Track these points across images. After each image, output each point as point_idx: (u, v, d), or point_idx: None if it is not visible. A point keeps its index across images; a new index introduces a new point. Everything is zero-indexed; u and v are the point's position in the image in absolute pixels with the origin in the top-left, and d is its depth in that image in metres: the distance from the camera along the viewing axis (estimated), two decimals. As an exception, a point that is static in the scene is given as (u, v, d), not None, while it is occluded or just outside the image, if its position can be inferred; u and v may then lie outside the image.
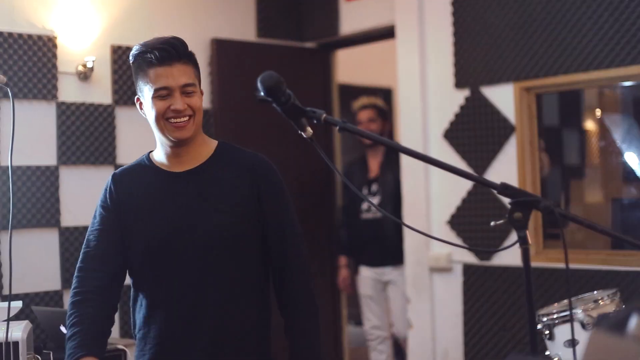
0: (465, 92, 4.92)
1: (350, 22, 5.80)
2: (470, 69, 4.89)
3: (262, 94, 1.97)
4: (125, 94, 5.15)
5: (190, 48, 2.52)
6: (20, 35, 4.75)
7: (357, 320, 8.12)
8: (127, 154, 5.15)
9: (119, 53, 5.14)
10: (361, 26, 5.74)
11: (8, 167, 4.64)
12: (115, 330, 5.00)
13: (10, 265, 2.57)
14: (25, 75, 4.76)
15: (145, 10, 5.30)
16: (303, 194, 5.98)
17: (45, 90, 4.83)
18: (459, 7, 4.94)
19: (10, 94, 2.56)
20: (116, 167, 5.09)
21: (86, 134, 4.99)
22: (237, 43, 5.67)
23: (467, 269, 4.93)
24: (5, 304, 3.84)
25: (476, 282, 4.89)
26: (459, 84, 4.95)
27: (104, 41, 5.08)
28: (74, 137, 4.95)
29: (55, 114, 4.89)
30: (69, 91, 4.93)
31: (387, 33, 5.59)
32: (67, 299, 4.85)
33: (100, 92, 5.06)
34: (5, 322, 2.92)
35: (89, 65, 4.93)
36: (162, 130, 2.54)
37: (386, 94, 8.17)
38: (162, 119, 2.49)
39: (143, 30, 5.27)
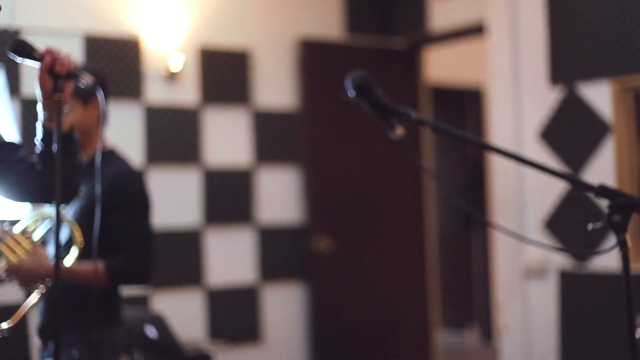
0: (560, 89, 4.80)
1: (439, 17, 5.74)
2: (566, 65, 4.78)
3: (351, 93, 1.95)
4: (213, 94, 5.21)
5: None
6: (106, 37, 4.84)
7: (453, 322, 8.06)
8: (216, 155, 5.21)
9: (206, 53, 5.19)
10: (450, 21, 5.67)
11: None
12: (199, 330, 5.07)
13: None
14: (117, 77, 4.85)
15: (232, 10, 5.34)
16: (391, 194, 5.95)
17: (129, 91, 4.92)
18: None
19: (102, 95, 2.57)
20: (203, 167, 5.15)
21: (173, 134, 5.07)
22: (325, 45, 5.68)
23: (563, 274, 4.82)
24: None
25: (572, 288, 4.78)
26: (554, 80, 4.84)
27: (190, 42, 5.14)
28: (160, 138, 5.03)
29: (143, 116, 4.97)
30: (156, 92, 5.01)
31: (476, 29, 5.51)
32: (154, 300, 4.93)
33: (188, 93, 5.12)
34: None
35: (177, 66, 5.00)
36: None
37: (474, 96, 8.07)
38: None
39: (230, 30, 5.32)
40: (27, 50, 2.40)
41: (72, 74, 2.40)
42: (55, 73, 2.38)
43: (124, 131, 4.86)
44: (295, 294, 5.51)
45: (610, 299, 4.57)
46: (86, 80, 2.42)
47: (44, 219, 3.00)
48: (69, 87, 2.42)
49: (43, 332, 3.07)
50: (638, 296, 4.19)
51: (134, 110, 4.93)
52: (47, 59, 2.38)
